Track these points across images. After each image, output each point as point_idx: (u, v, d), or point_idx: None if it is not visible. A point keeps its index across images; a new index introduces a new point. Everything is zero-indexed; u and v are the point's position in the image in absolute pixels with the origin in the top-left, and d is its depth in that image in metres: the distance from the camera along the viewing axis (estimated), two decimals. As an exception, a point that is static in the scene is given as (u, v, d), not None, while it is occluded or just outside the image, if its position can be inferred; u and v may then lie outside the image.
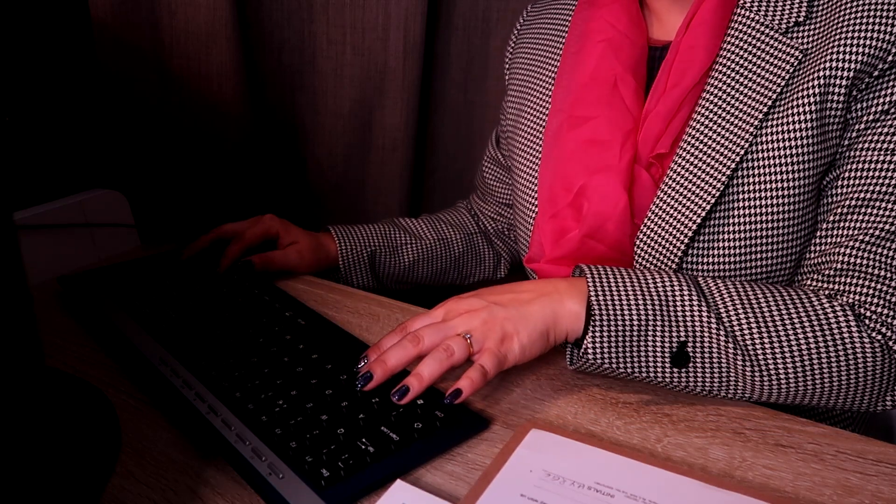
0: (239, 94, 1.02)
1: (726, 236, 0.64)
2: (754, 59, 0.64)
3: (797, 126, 0.61)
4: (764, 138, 0.62)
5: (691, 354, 0.58)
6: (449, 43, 1.11)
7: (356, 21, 1.06)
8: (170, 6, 0.96)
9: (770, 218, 0.63)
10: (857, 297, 0.58)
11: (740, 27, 0.65)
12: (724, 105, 0.64)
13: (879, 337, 0.57)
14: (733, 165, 0.63)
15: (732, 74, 0.64)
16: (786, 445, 0.56)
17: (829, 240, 0.62)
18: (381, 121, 1.11)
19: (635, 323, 0.58)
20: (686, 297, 0.58)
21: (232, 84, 1.01)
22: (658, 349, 0.58)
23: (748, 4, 0.65)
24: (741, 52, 0.64)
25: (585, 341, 0.58)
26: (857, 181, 0.60)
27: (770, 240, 0.63)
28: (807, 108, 0.60)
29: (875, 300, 0.58)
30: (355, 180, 1.17)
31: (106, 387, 0.61)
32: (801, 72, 0.62)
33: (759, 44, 0.64)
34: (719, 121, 0.64)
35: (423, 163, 1.21)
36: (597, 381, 0.64)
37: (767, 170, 0.62)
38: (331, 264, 0.89)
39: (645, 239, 0.67)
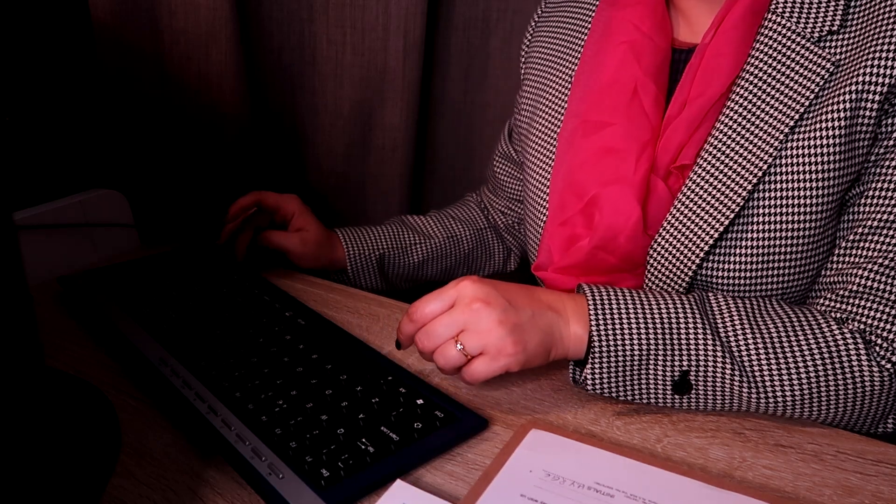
0: (239, 94, 1.02)
1: (743, 251, 0.62)
2: (783, 69, 0.61)
3: (825, 141, 0.58)
4: (789, 152, 0.60)
5: (693, 382, 0.57)
6: (449, 43, 1.11)
7: (356, 21, 1.06)
8: (170, 6, 0.96)
9: (789, 234, 0.61)
10: (868, 322, 0.57)
11: (770, 34, 0.62)
12: (748, 116, 0.61)
13: (888, 365, 0.56)
14: (755, 180, 0.60)
15: (760, 84, 0.61)
16: (786, 445, 0.56)
17: (847, 259, 0.60)
18: (381, 121, 1.11)
19: (636, 353, 0.57)
20: (691, 324, 0.57)
21: (232, 84, 1.01)
22: (659, 377, 0.57)
23: (780, 10, 0.61)
24: (770, 61, 0.61)
25: (585, 372, 0.58)
26: (881, 200, 0.58)
27: (788, 256, 0.61)
28: (837, 124, 0.58)
29: (887, 326, 0.56)
30: (355, 180, 1.17)
31: (106, 387, 0.61)
32: (831, 84, 0.59)
33: (789, 52, 0.61)
34: (743, 132, 0.61)
35: (423, 163, 1.20)
36: (597, 381, 0.64)
37: (790, 185, 0.60)
38: (335, 266, 0.89)
39: (659, 250, 0.65)
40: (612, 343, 0.57)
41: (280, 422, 0.54)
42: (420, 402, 0.57)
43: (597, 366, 0.57)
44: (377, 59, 1.07)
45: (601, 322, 0.57)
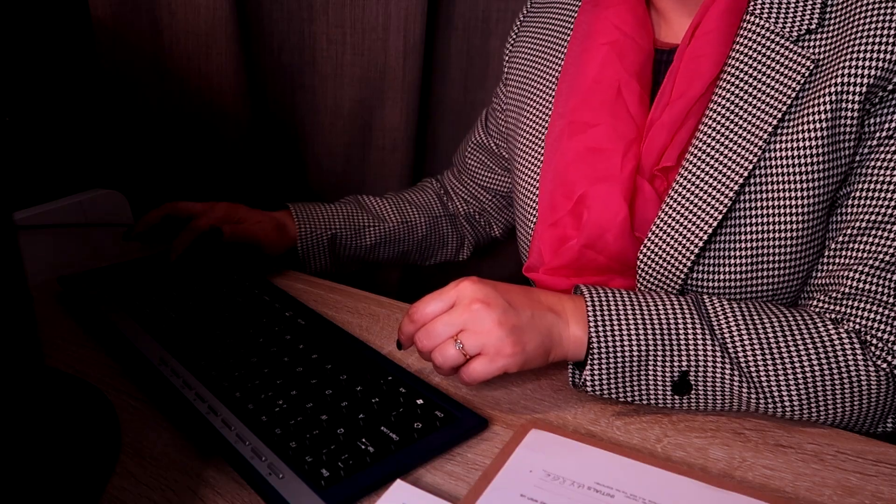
0: (239, 93, 1.02)
1: (733, 253, 0.62)
2: (763, 69, 0.61)
3: (809, 139, 0.58)
4: (774, 152, 0.60)
5: (693, 383, 0.57)
6: (449, 43, 1.11)
7: (356, 21, 1.06)
8: (170, 6, 0.96)
9: (778, 235, 0.61)
10: (863, 323, 0.57)
11: (749, 34, 0.62)
12: (732, 117, 0.62)
13: (885, 365, 0.56)
14: (741, 180, 0.61)
15: (741, 84, 0.62)
16: (786, 445, 0.56)
17: (837, 261, 0.60)
18: (381, 121, 1.11)
19: (635, 353, 0.57)
20: (689, 325, 0.58)
21: (232, 84, 1.01)
22: (659, 378, 0.57)
23: (758, 11, 0.62)
24: (750, 62, 0.62)
25: (584, 373, 0.58)
26: (868, 201, 0.58)
27: (778, 257, 0.62)
28: (819, 121, 0.58)
29: (882, 327, 0.57)
30: (355, 180, 1.17)
31: (106, 387, 0.61)
32: (812, 82, 0.59)
33: (768, 52, 0.61)
34: (727, 133, 0.62)
35: (423, 163, 1.21)
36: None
37: (777, 184, 0.60)
38: (290, 244, 0.88)
39: (649, 254, 0.65)
40: (610, 344, 0.57)
41: (280, 422, 0.54)
42: (420, 402, 0.57)
43: (596, 367, 0.57)
44: (377, 59, 1.07)
45: (599, 323, 0.57)
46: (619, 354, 0.57)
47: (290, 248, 0.88)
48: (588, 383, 0.57)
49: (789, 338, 0.57)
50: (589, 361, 0.57)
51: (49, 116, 0.90)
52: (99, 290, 0.77)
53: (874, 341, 0.57)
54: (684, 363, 0.57)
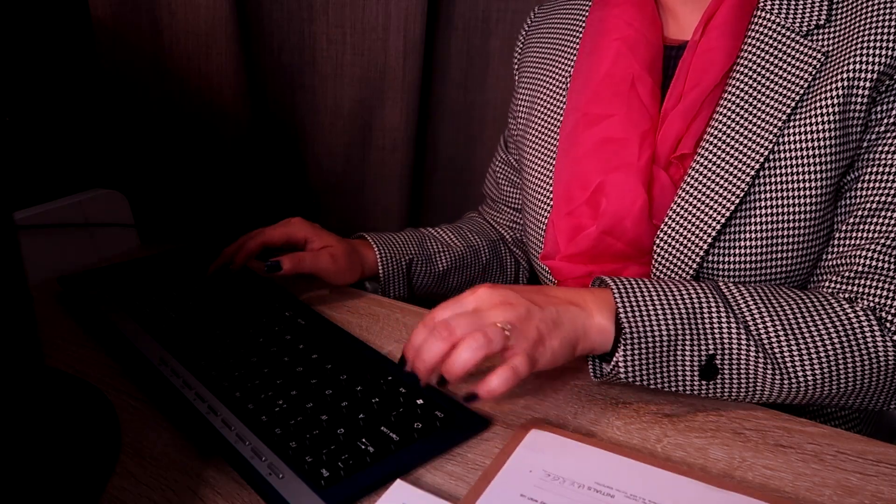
0: (239, 93, 1.02)
1: (747, 237, 0.64)
2: (775, 62, 0.64)
3: (821, 128, 0.61)
4: (788, 138, 0.62)
5: (719, 366, 0.57)
6: (449, 43, 1.11)
7: (356, 21, 1.06)
8: (170, 6, 0.96)
9: (792, 219, 0.63)
10: (876, 301, 0.59)
11: (760, 29, 0.65)
12: (746, 106, 0.64)
13: None
14: (757, 166, 0.63)
15: (754, 76, 0.64)
16: (786, 446, 0.56)
17: (848, 242, 0.62)
18: (381, 121, 1.11)
19: (664, 338, 0.57)
20: (713, 309, 0.58)
21: (232, 84, 1.01)
22: (687, 363, 0.58)
23: (768, 7, 0.65)
24: (762, 55, 0.64)
25: (616, 358, 0.57)
26: (876, 184, 0.61)
27: (791, 241, 0.63)
28: (830, 111, 0.60)
29: (895, 303, 0.58)
30: (355, 180, 1.17)
31: (106, 387, 0.61)
32: (823, 74, 0.62)
33: (780, 45, 0.64)
34: (742, 122, 0.64)
35: (423, 163, 1.20)
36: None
37: (791, 172, 0.62)
38: (366, 274, 0.84)
39: (666, 238, 0.66)
40: (642, 329, 0.57)
41: (280, 422, 0.54)
42: (420, 402, 0.57)
43: (629, 352, 0.57)
44: (377, 59, 1.07)
45: (629, 309, 0.57)
46: (650, 339, 0.57)
47: (362, 276, 0.84)
48: (621, 368, 0.57)
49: (808, 317, 0.58)
50: (622, 346, 0.57)
51: (49, 116, 0.90)
52: (99, 290, 0.77)
53: (888, 317, 0.58)
54: (711, 346, 0.57)
